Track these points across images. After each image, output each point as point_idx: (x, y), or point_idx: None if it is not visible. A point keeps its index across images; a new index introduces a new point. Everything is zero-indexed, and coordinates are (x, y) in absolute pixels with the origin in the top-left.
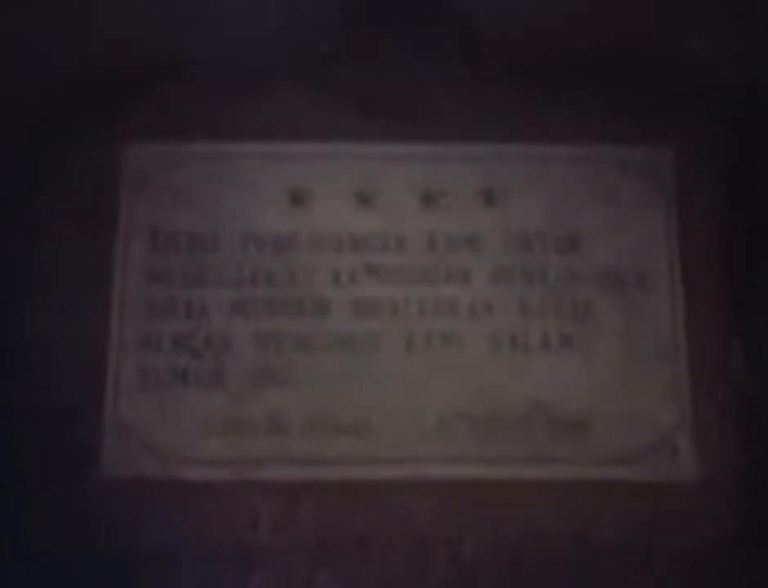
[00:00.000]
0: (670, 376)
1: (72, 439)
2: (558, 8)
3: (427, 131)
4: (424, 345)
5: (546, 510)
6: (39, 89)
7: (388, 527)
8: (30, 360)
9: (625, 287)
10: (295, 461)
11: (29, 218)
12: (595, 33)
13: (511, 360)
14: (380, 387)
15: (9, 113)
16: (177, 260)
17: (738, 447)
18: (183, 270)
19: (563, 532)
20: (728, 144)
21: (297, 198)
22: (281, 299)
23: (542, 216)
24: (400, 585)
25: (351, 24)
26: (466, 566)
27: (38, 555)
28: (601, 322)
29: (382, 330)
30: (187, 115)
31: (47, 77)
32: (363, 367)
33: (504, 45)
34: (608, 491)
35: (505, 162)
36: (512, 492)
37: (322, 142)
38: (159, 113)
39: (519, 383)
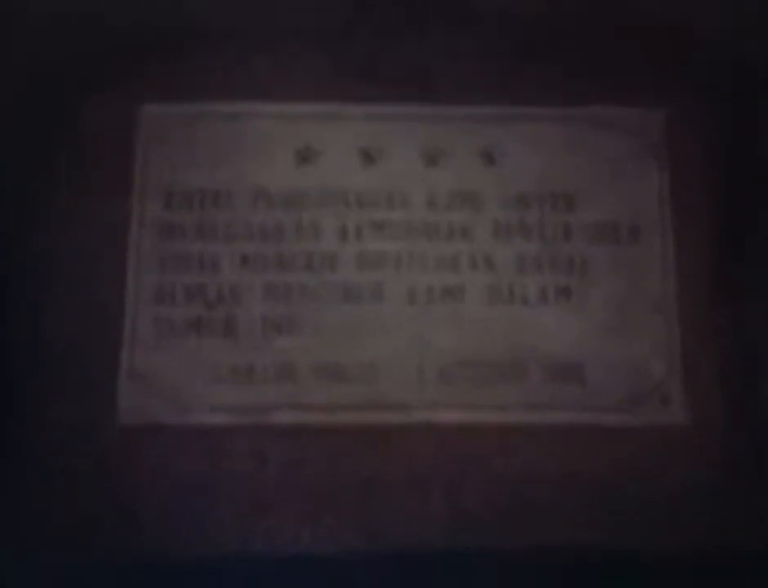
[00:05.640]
0: (661, 327)
1: (90, 388)
2: None
3: (429, 94)
4: (426, 297)
5: (541, 454)
6: (56, 50)
7: (391, 471)
8: (50, 314)
9: (618, 243)
10: (303, 406)
11: (46, 176)
12: None
13: (510, 312)
14: (384, 337)
15: (26, 75)
16: (190, 216)
17: (725, 394)
18: (196, 226)
19: (557, 475)
20: (718, 106)
21: (305, 157)
22: (290, 253)
23: (539, 175)
24: (403, 527)
25: None
26: (466, 507)
27: (55, 502)
28: (595, 275)
29: (386, 283)
30: (200, 76)
31: (65, 38)
32: (368, 317)
33: (501, 9)
34: (600, 436)
35: (504, 124)
36: (509, 437)
37: (329, 103)
38: (174, 74)
39: (516, 334)
